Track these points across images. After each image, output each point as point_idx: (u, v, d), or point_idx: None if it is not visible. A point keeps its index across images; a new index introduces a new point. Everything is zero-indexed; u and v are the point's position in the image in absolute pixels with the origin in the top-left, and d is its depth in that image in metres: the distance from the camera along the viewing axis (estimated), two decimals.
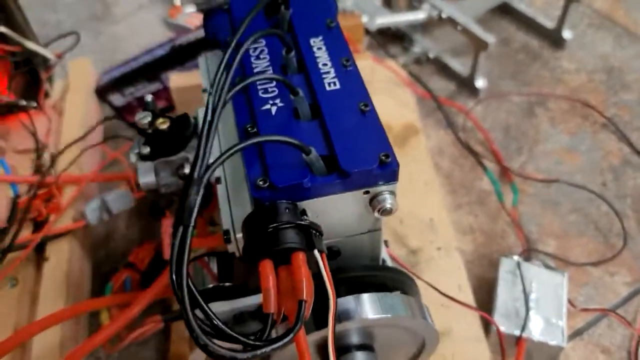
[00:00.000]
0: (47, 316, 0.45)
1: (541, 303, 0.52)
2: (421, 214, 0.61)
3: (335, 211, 0.35)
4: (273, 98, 0.38)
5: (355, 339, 0.39)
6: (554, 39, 0.81)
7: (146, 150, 0.43)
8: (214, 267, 0.44)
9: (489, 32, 0.71)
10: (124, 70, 0.74)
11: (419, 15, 0.78)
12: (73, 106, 0.67)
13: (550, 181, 0.65)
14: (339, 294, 0.36)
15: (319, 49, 0.41)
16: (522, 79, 0.78)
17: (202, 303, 0.29)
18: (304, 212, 0.33)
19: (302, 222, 0.32)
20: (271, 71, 0.40)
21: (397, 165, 0.34)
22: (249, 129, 0.36)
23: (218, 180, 0.38)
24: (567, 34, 0.80)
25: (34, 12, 0.71)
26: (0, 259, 0.50)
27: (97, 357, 0.55)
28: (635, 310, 0.55)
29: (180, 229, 0.29)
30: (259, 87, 0.39)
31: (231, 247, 0.36)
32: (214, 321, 0.29)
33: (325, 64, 0.40)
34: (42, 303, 0.50)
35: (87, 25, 0.90)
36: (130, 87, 0.73)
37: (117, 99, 0.74)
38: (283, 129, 0.36)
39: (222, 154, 0.32)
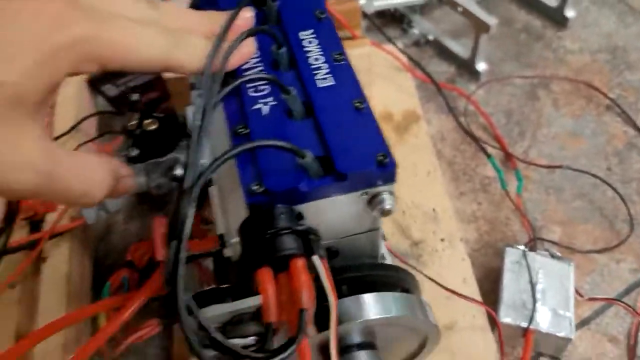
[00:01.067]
0: (47, 325, 0.44)
1: (548, 294, 0.52)
2: (424, 204, 0.60)
3: (332, 213, 0.34)
4: (264, 97, 0.37)
5: (356, 338, 0.39)
6: (556, 18, 0.79)
7: (135, 152, 0.42)
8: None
9: (490, 12, 0.69)
10: None
11: None
12: (65, 98, 0.65)
13: (554, 167, 0.64)
14: (341, 296, 0.35)
15: (310, 42, 0.40)
16: (524, 61, 0.76)
17: (197, 313, 0.28)
18: (300, 216, 0.33)
19: (298, 228, 0.31)
20: (262, 68, 0.38)
21: (395, 165, 0.33)
22: (240, 130, 0.35)
23: (210, 182, 0.37)
24: (569, 12, 0.78)
25: None
26: None
27: (99, 354, 0.55)
28: None
29: (174, 244, 0.28)
30: (249, 85, 0.37)
31: (227, 252, 0.35)
32: (212, 334, 0.28)
33: (317, 59, 0.39)
34: (43, 304, 0.49)
35: None
36: (123, 77, 0.71)
37: (110, 90, 0.72)
38: (276, 130, 0.35)
39: (212, 162, 0.31)
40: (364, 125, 0.35)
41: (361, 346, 0.38)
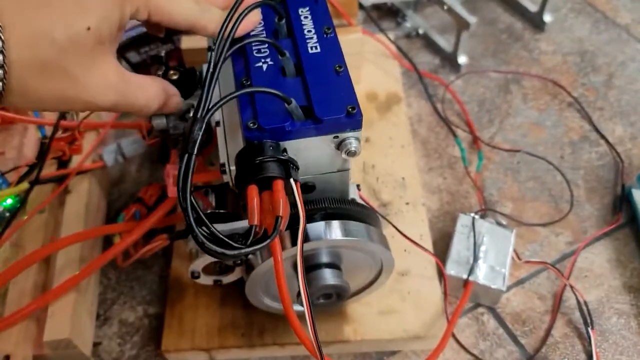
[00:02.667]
0: (69, 235, 0.54)
1: (489, 254, 0.61)
2: (396, 173, 0.69)
3: (310, 151, 0.44)
4: (265, 57, 0.46)
5: (324, 259, 0.49)
6: (535, 21, 0.88)
7: None
8: (212, 200, 0.53)
9: (477, 12, 0.78)
10: (141, 31, 0.82)
11: None
12: None
13: (514, 151, 0.73)
14: (314, 221, 0.47)
15: (305, 17, 0.50)
16: (502, 58, 0.85)
17: (200, 211, 0.37)
18: (285, 150, 0.43)
19: (282, 157, 0.41)
20: (264, 35, 0.48)
21: (361, 115, 0.42)
22: (244, 81, 0.45)
23: (218, 123, 0.47)
24: (548, 17, 0.87)
25: None
26: (30, 189, 0.59)
27: (108, 277, 0.65)
28: (571, 265, 0.64)
29: (186, 157, 0.37)
30: (254, 47, 0.47)
31: (226, 178, 0.45)
32: (211, 229, 0.37)
33: (309, 31, 0.48)
34: (65, 227, 0.59)
35: None
36: (146, 46, 0.81)
37: (133, 57, 0.82)
38: (271, 83, 0.45)
39: (220, 100, 0.41)
40: (340, 84, 0.44)
41: (328, 265, 0.49)
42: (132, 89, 0.40)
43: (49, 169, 0.64)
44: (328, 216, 0.47)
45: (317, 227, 0.46)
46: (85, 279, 0.56)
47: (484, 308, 0.62)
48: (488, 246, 0.62)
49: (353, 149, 0.43)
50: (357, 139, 0.44)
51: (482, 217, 0.64)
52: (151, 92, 0.42)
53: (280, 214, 0.38)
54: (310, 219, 0.47)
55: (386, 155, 0.71)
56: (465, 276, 0.60)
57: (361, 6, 0.86)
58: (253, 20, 0.47)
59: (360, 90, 0.77)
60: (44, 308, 0.53)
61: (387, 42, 0.81)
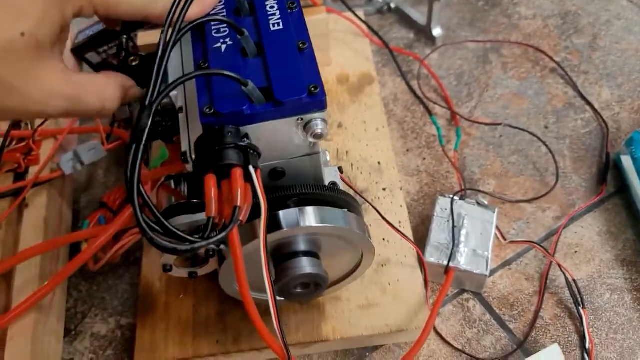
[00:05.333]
0: (27, 248, 0.52)
1: (470, 237, 0.58)
2: (371, 158, 0.66)
3: (274, 135, 0.41)
4: (224, 37, 0.44)
5: (302, 246, 0.47)
6: None
7: None
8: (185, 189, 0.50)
9: None
10: (99, 29, 0.78)
11: None
12: None
13: (495, 125, 0.70)
14: (287, 208, 0.44)
15: None
16: (479, 27, 0.81)
17: (150, 203, 0.35)
18: (246, 136, 0.40)
19: (241, 144, 0.38)
20: (225, 14, 0.45)
21: (324, 95, 0.40)
22: (202, 64, 0.43)
23: (180, 109, 0.45)
24: None
25: None
26: None
27: (79, 290, 0.63)
28: (556, 241, 0.61)
29: (133, 147, 0.36)
30: (213, 27, 0.44)
31: (188, 167, 0.43)
32: (163, 222, 0.36)
33: (272, 7, 0.46)
34: (23, 243, 0.56)
35: None
36: (105, 45, 0.77)
37: (93, 57, 0.78)
38: (230, 65, 0.42)
39: (168, 85, 0.38)
40: (303, 62, 0.42)
41: (306, 253, 0.46)
42: (83, 93, 0.38)
43: (4, 183, 0.61)
44: (302, 202, 0.45)
45: (290, 214, 0.44)
46: (49, 294, 0.54)
47: (469, 294, 0.59)
48: (469, 229, 0.58)
49: (319, 130, 0.41)
50: (324, 120, 0.41)
51: (462, 198, 0.61)
52: (106, 93, 0.39)
53: (238, 204, 0.36)
54: (283, 205, 0.44)
55: (360, 140, 0.67)
56: (445, 262, 0.57)
57: None
58: (208, 4, 0.44)
59: (331, 73, 0.73)
60: (4, 331, 0.51)
61: (356, 20, 0.77)
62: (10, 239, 0.58)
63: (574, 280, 0.57)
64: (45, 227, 0.58)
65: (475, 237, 0.58)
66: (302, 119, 0.41)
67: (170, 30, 0.40)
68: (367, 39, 0.76)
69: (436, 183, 0.66)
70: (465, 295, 0.59)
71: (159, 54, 0.39)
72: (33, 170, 0.61)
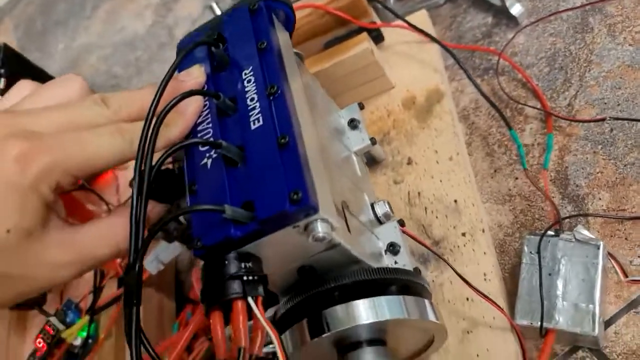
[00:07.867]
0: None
1: (569, 287, 0.47)
2: (446, 197, 0.57)
3: (279, 246, 0.37)
4: (208, 150, 0.40)
5: (364, 336, 0.42)
6: None
7: None
8: None
9: None
10: None
11: None
12: None
13: (598, 120, 0.55)
14: (332, 302, 0.40)
15: (249, 81, 0.42)
16: None
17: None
18: (248, 257, 0.36)
19: (239, 273, 0.35)
20: (210, 119, 0.41)
21: (309, 198, 0.34)
22: (192, 188, 0.40)
23: None
24: None
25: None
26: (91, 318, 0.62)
27: None
28: None
29: (127, 312, 0.34)
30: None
31: None
32: None
33: (252, 99, 0.41)
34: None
35: (158, 56, 0.99)
36: None
37: None
38: (217, 183, 0.39)
39: (144, 241, 0.36)
40: (284, 162, 0.36)
41: (370, 342, 0.42)
42: (91, 249, 0.38)
43: (111, 289, 0.66)
44: (347, 296, 0.40)
45: (336, 312, 0.40)
46: None
47: (585, 351, 0.48)
48: (567, 276, 0.47)
49: (320, 234, 0.36)
50: (323, 219, 0.36)
51: (558, 233, 0.50)
52: (117, 235, 0.38)
53: (242, 345, 0.33)
54: (329, 302, 0.40)
55: (433, 175, 0.59)
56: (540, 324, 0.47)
57: None
58: (189, 117, 0.41)
59: (395, 98, 0.65)
60: None
61: (420, 25, 0.67)
62: (121, 343, 0.64)
63: None
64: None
65: (575, 285, 0.47)
66: (297, 226, 0.36)
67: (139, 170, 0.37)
68: (434, 45, 0.66)
69: (533, 208, 0.55)
70: (581, 353, 0.48)
71: (134, 202, 0.38)
72: None
